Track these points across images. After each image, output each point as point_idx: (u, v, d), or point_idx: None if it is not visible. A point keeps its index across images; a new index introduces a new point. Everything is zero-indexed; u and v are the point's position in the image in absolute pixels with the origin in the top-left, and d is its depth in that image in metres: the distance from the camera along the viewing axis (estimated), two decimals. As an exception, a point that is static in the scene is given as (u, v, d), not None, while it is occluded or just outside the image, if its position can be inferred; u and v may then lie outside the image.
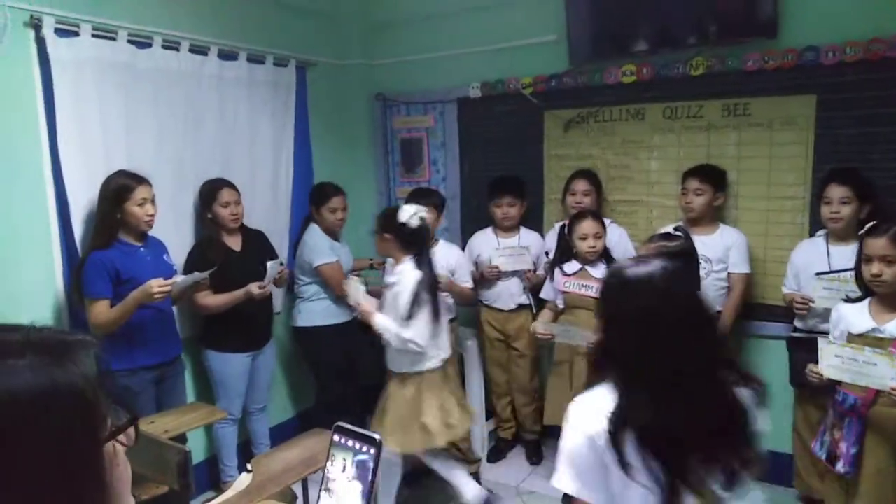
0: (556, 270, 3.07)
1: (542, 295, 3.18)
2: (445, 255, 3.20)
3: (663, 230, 2.35)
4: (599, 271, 2.93)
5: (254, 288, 2.86)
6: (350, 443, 1.06)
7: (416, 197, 3.19)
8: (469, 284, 3.29)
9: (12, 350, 0.62)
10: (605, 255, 3.00)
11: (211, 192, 2.99)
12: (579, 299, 2.96)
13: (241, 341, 3.02)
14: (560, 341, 2.96)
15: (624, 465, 1.15)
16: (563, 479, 1.24)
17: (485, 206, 3.55)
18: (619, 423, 1.17)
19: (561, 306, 3.07)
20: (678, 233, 2.26)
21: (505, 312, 3.43)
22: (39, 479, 0.60)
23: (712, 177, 2.99)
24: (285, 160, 3.64)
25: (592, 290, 2.85)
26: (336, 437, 1.08)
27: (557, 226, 3.37)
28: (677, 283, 1.28)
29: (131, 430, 0.72)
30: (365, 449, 1.04)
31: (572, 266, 3.03)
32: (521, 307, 3.43)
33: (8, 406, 0.58)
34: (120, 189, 2.53)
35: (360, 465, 1.04)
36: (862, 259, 2.18)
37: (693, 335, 1.23)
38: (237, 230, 3.07)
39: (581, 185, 3.24)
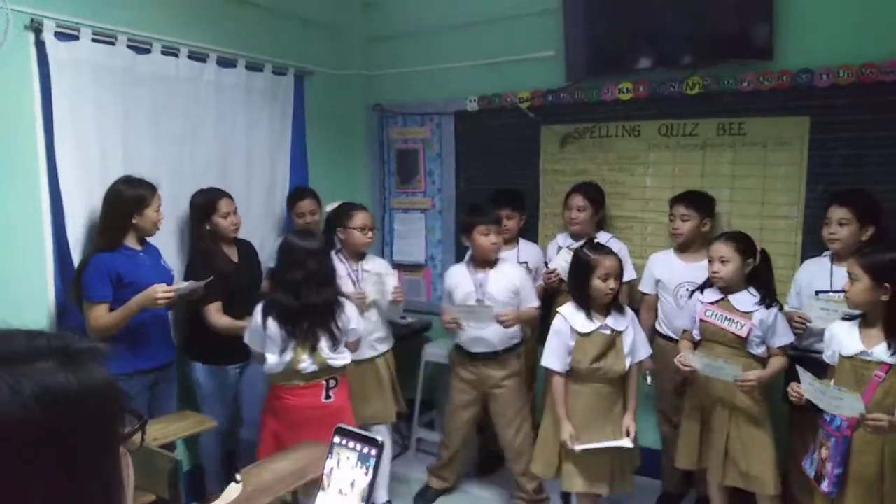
0: (695, 296, 2.71)
1: (681, 324, 2.81)
2: (508, 276, 2.98)
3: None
4: (745, 303, 2.56)
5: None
6: (351, 444, 1.07)
7: (487, 213, 3.00)
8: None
9: (41, 354, 0.63)
10: (754, 282, 2.58)
11: (209, 202, 2.94)
12: (720, 333, 2.58)
13: (227, 354, 2.93)
14: (706, 373, 2.57)
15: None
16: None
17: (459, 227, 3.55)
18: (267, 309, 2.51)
19: (697, 337, 2.69)
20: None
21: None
22: (77, 475, 0.61)
23: (698, 203, 2.99)
24: (282, 168, 3.64)
25: (738, 328, 2.51)
26: (337, 439, 1.08)
27: (559, 237, 3.36)
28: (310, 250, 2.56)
29: (136, 436, 0.73)
30: (366, 450, 1.05)
31: (713, 293, 2.64)
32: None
33: (47, 405, 0.59)
34: (141, 195, 2.55)
35: (362, 463, 1.05)
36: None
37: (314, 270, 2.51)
38: (232, 241, 3.04)
39: (576, 201, 3.22)
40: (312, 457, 2.38)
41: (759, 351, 2.56)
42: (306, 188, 3.49)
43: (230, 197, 3.00)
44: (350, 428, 1.08)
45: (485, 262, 2.99)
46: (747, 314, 2.53)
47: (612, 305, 2.61)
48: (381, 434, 3.03)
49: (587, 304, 2.58)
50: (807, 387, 2.16)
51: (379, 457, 1.03)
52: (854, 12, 2.81)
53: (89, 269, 2.47)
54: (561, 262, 3.12)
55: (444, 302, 3.18)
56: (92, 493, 0.63)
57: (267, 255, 3.28)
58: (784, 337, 2.54)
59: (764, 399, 2.57)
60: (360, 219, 3.03)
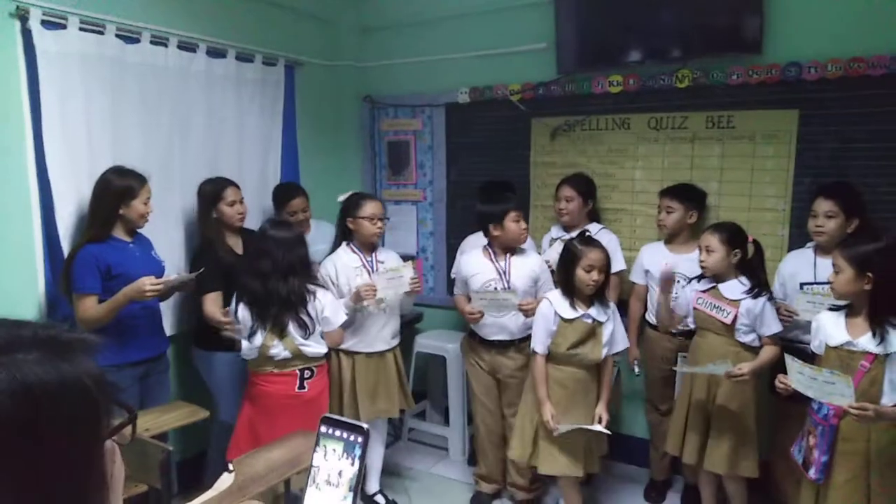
0: (690, 285, 2.78)
1: (676, 310, 2.81)
2: (529, 264, 2.97)
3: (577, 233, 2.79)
4: (733, 291, 2.61)
5: (221, 317, 2.73)
6: (337, 432, 1.07)
7: (513, 201, 3.01)
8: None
9: (23, 345, 0.63)
10: (745, 271, 2.64)
11: (215, 191, 2.94)
12: (709, 321, 2.65)
13: (232, 341, 2.88)
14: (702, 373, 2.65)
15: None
16: None
17: (470, 210, 3.54)
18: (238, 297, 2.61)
19: (692, 325, 2.76)
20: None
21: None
22: (48, 472, 0.60)
23: (683, 195, 3.02)
24: (273, 159, 3.63)
25: (724, 315, 2.58)
26: (323, 428, 1.08)
27: (553, 229, 3.37)
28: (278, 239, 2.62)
29: (126, 429, 0.72)
30: (353, 437, 1.05)
31: (706, 282, 2.71)
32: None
33: (21, 398, 0.59)
34: (129, 186, 2.52)
35: (349, 454, 1.05)
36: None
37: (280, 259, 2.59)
38: (238, 231, 3.03)
39: (565, 192, 3.23)
40: (306, 445, 2.39)
41: (748, 339, 2.60)
42: (296, 186, 3.44)
43: (237, 186, 2.99)
44: (335, 417, 1.08)
45: (507, 249, 2.99)
46: (734, 302, 2.59)
47: (595, 297, 2.68)
48: (377, 427, 3.09)
49: (571, 292, 2.66)
50: (796, 376, 2.18)
51: (365, 444, 1.04)
52: (843, 6, 2.83)
53: (77, 260, 2.45)
54: (554, 253, 3.13)
55: (456, 290, 3.14)
56: (67, 487, 0.62)
57: None
58: (773, 325, 2.58)
59: (751, 387, 2.61)
60: (369, 208, 2.99)
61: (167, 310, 2.93)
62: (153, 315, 2.71)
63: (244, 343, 2.62)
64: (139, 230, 2.66)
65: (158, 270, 2.65)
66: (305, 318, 2.62)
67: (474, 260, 3.05)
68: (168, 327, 2.91)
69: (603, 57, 3.32)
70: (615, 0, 3.25)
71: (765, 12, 2.91)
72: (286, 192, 3.39)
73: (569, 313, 2.67)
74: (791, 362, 2.21)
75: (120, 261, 2.50)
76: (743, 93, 3.05)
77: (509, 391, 3.02)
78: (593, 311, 2.67)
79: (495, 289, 2.94)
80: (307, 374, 2.68)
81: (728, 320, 2.58)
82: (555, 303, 2.70)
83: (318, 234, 3.43)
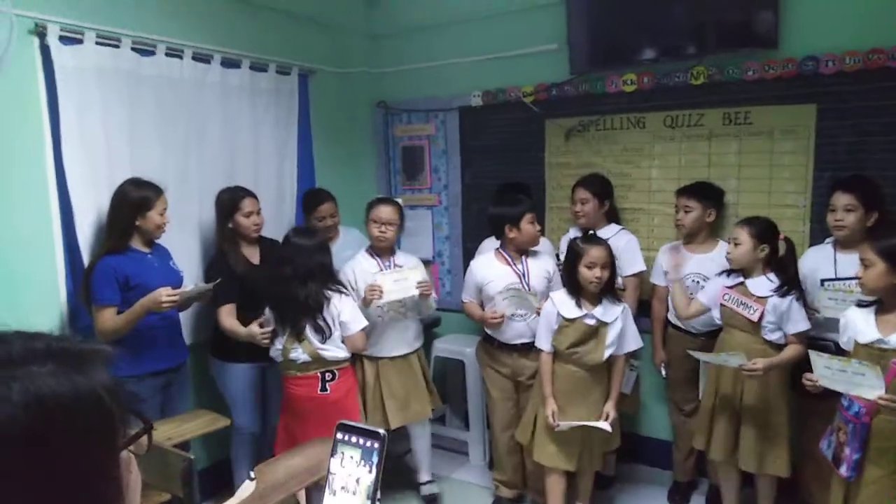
0: (717, 279, 2.73)
1: (703, 300, 2.77)
2: (543, 265, 3.00)
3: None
4: (761, 288, 2.57)
5: (255, 331, 2.73)
6: (354, 439, 1.06)
7: (528, 204, 3.01)
8: None
9: (37, 357, 0.63)
10: (775, 268, 2.59)
11: (232, 201, 2.95)
12: (736, 318, 2.61)
13: (250, 352, 2.89)
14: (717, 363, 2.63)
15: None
16: None
17: (486, 214, 3.52)
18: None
19: (718, 321, 2.71)
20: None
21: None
22: (62, 483, 0.60)
23: (701, 193, 2.98)
24: (289, 168, 3.65)
25: (751, 312, 2.54)
26: (340, 435, 1.08)
27: (571, 231, 3.33)
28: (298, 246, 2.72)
29: (143, 439, 0.73)
30: (369, 444, 1.05)
31: (734, 278, 2.66)
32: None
33: (34, 410, 0.59)
34: (144, 197, 2.55)
35: (366, 461, 1.05)
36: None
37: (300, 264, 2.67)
38: (255, 241, 3.04)
39: (580, 194, 3.20)
40: (326, 453, 2.39)
41: (775, 337, 2.57)
42: (324, 191, 3.45)
43: (254, 196, 3.00)
44: (351, 423, 1.08)
45: (522, 251, 2.99)
46: (762, 299, 2.55)
47: (603, 295, 2.67)
48: (420, 430, 3.20)
49: (577, 291, 2.69)
50: (822, 371, 2.14)
51: (382, 451, 1.03)
52: (859, -2, 2.79)
53: (96, 272, 2.48)
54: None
55: (469, 297, 3.09)
56: (82, 497, 0.62)
57: None
58: (799, 324, 2.53)
59: (780, 383, 2.59)
60: (374, 213, 3.06)
61: (186, 319, 2.95)
62: (172, 325, 2.73)
63: (273, 346, 2.75)
64: (157, 241, 2.69)
65: (177, 280, 2.67)
66: (322, 322, 2.68)
67: (489, 265, 3.02)
68: (187, 336, 2.93)
69: (616, 56, 3.30)
70: (627, -2, 3.23)
71: (779, 6, 2.87)
72: (314, 197, 3.41)
73: (571, 313, 2.68)
74: (816, 357, 2.17)
75: (138, 272, 2.53)
76: (759, 88, 3.01)
77: (528, 394, 2.99)
78: (598, 311, 2.67)
79: (518, 289, 2.93)
80: (328, 376, 2.74)
81: (755, 318, 2.54)
82: (558, 302, 2.73)
83: (347, 241, 3.46)
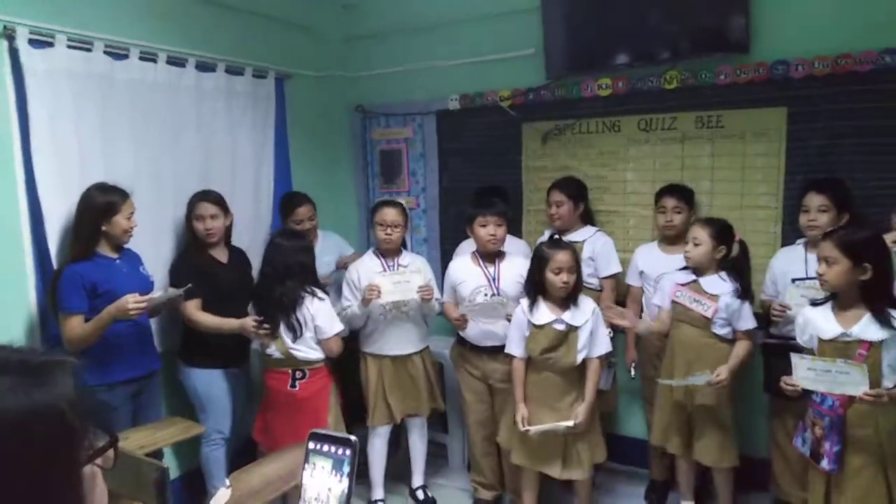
0: (667, 278, 2.80)
1: (655, 301, 2.87)
2: (517, 269, 2.95)
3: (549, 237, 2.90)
4: (714, 286, 2.66)
5: (248, 322, 2.77)
6: (325, 447, 1.06)
7: (490, 206, 2.96)
8: None
9: None
10: (725, 266, 2.68)
11: (190, 204, 2.96)
12: (687, 314, 2.69)
13: (223, 356, 2.93)
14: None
15: None
16: None
17: (464, 217, 3.52)
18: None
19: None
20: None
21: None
22: (20, 499, 0.59)
23: (686, 195, 3.03)
24: (266, 172, 3.62)
25: (705, 309, 2.62)
26: (311, 444, 1.07)
27: (546, 234, 3.32)
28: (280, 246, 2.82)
29: (110, 453, 0.72)
30: (341, 451, 1.04)
31: (686, 276, 2.75)
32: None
33: None
34: (110, 202, 2.51)
35: (337, 471, 1.04)
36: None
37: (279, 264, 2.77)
38: (221, 244, 3.02)
39: (554, 196, 3.22)
40: (300, 459, 2.38)
41: (724, 332, 2.66)
42: (301, 194, 3.44)
43: (210, 201, 2.95)
44: (322, 431, 1.07)
45: (491, 254, 2.99)
46: (714, 297, 2.64)
47: (570, 300, 2.68)
48: (416, 426, 3.26)
49: (543, 296, 2.69)
50: (805, 373, 2.17)
51: (354, 458, 1.03)
52: (829, 3, 2.84)
53: (63, 279, 2.43)
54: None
55: (446, 297, 3.12)
56: None
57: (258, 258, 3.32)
58: (749, 321, 2.65)
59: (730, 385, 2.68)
60: (379, 216, 3.07)
61: (157, 326, 2.91)
62: (142, 332, 2.69)
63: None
64: (127, 246, 2.65)
65: (147, 286, 2.63)
66: (294, 321, 2.75)
67: (462, 266, 3.05)
68: (158, 344, 2.89)
69: (591, 61, 3.33)
70: (601, 4, 3.25)
71: (751, 11, 2.92)
72: (291, 200, 3.41)
73: (540, 319, 2.68)
74: (798, 360, 2.20)
75: (106, 278, 2.49)
76: (731, 92, 3.06)
77: (501, 396, 3.00)
78: (567, 316, 2.66)
79: (486, 295, 2.93)
80: (298, 374, 2.82)
81: (709, 314, 2.63)
82: (527, 309, 2.73)
83: (326, 246, 3.45)
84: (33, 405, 0.61)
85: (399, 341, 3.09)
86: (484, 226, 2.92)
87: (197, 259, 2.91)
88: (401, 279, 2.97)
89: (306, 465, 1.07)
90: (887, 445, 2.13)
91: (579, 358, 2.67)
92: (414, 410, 3.16)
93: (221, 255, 3.02)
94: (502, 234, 2.95)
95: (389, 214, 3.05)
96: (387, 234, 3.04)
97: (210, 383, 2.95)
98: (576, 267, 2.67)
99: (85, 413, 0.67)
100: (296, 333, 2.75)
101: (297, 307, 2.75)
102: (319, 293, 2.82)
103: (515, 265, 2.99)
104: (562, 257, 2.63)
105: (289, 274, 2.76)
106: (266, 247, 2.91)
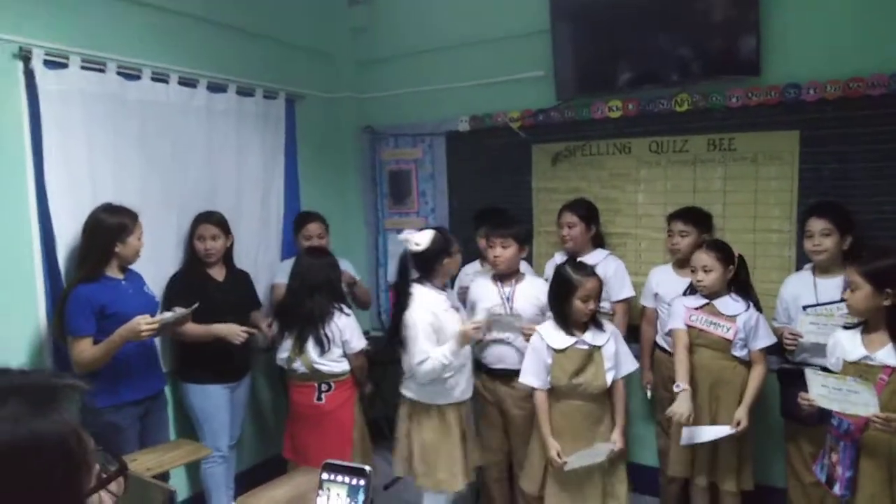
0: (678, 302, 2.77)
1: (671, 325, 2.77)
2: (534, 291, 2.88)
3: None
4: (728, 307, 2.64)
5: (235, 328, 2.85)
6: (340, 477, 1.05)
7: (496, 227, 2.91)
8: None
9: None
10: (735, 288, 2.68)
11: (193, 224, 3.02)
12: (704, 337, 2.65)
13: (217, 371, 2.95)
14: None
15: None
16: None
17: (474, 239, 3.50)
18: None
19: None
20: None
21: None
22: None
23: (696, 218, 3.01)
24: (275, 193, 3.63)
25: (725, 331, 2.59)
26: (325, 475, 1.07)
27: (557, 256, 3.32)
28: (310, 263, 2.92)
29: (121, 479, 0.70)
30: (356, 481, 1.04)
31: (697, 299, 2.71)
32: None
33: None
34: (122, 224, 2.52)
35: (352, 499, 1.04)
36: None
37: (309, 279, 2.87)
38: (220, 264, 3.05)
39: (566, 218, 3.19)
40: (310, 484, 2.34)
41: (743, 353, 2.63)
42: (313, 213, 3.47)
43: (212, 223, 2.98)
44: (336, 462, 1.06)
45: (509, 275, 2.91)
46: (732, 318, 2.62)
47: (589, 322, 2.59)
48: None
49: (566, 322, 2.58)
50: (819, 390, 2.16)
51: (368, 487, 1.02)
52: (840, 26, 2.84)
53: (70, 302, 2.41)
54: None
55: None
56: None
57: (271, 276, 3.46)
58: (765, 339, 2.63)
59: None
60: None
61: (162, 346, 2.91)
62: (149, 352, 2.68)
63: (279, 354, 2.93)
64: (130, 266, 2.64)
65: (152, 306, 2.63)
66: (323, 336, 2.80)
67: (481, 285, 3.00)
68: (164, 363, 2.89)
69: (601, 83, 3.34)
70: (611, 27, 3.27)
71: (761, 34, 2.92)
72: (302, 217, 3.47)
73: (560, 343, 2.56)
74: (813, 376, 2.19)
75: (113, 299, 2.47)
76: (743, 115, 3.05)
77: (517, 422, 2.89)
78: (588, 336, 2.56)
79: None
80: (324, 387, 2.88)
81: (730, 336, 2.60)
82: (545, 335, 2.60)
83: None
84: (32, 435, 0.60)
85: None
86: (492, 246, 2.89)
87: (191, 276, 2.96)
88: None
89: (320, 492, 1.06)
90: None
91: (609, 379, 2.54)
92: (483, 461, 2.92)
93: (218, 274, 3.04)
94: (504, 255, 2.84)
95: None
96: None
97: (205, 399, 2.94)
98: (600, 293, 2.58)
99: (92, 437, 0.66)
100: (323, 347, 2.80)
101: (326, 322, 2.81)
102: (346, 309, 2.90)
103: (533, 287, 2.91)
104: (591, 285, 2.52)
105: (317, 289, 2.83)
106: (294, 263, 2.98)
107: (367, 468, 1.04)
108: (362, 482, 1.04)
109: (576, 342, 2.56)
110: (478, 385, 2.99)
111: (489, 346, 2.91)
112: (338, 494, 1.05)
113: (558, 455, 2.50)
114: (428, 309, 2.66)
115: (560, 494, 2.57)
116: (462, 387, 2.74)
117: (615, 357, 2.58)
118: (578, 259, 2.99)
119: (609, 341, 2.59)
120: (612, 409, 2.62)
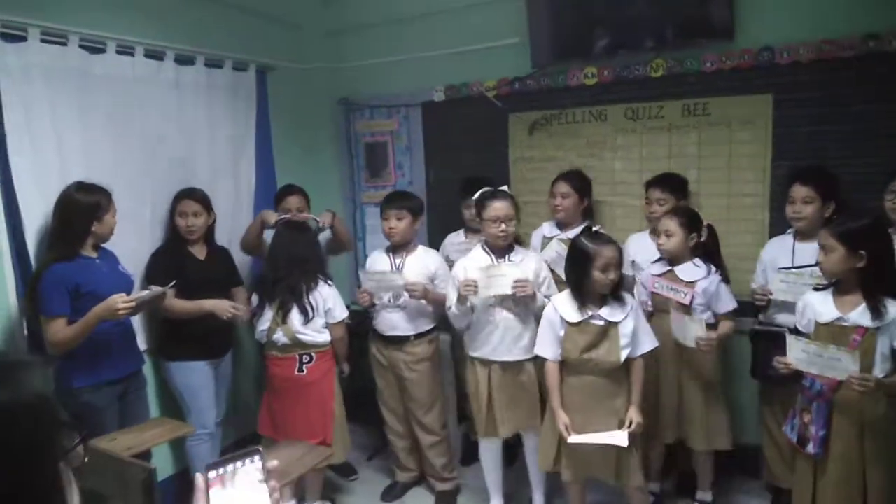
0: (646, 270, 2.83)
1: (642, 297, 2.81)
2: (424, 261, 3.06)
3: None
4: (688, 273, 2.68)
5: (224, 303, 2.86)
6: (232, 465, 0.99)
7: (391, 201, 3.06)
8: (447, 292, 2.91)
9: None
10: (697, 253, 2.70)
11: (174, 200, 2.98)
12: (666, 303, 2.68)
13: (201, 348, 2.94)
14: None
15: None
16: None
17: (454, 209, 3.50)
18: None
19: (650, 309, 2.77)
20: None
21: None
22: None
23: (673, 185, 3.01)
24: (246, 167, 3.58)
25: (682, 296, 2.63)
26: (212, 473, 1.00)
27: (545, 226, 3.30)
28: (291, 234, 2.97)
29: (80, 449, 0.71)
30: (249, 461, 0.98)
31: (661, 266, 2.76)
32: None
33: None
34: (97, 202, 2.47)
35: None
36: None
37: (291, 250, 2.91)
38: (202, 241, 3.02)
39: (560, 188, 3.16)
40: (291, 456, 2.35)
41: (704, 317, 2.66)
42: (294, 186, 3.42)
43: (194, 199, 2.95)
44: (221, 459, 1.01)
45: (402, 246, 3.08)
46: (691, 283, 2.67)
47: (609, 295, 2.48)
48: (531, 441, 2.87)
49: (583, 294, 2.48)
50: (799, 354, 2.20)
51: (263, 462, 0.97)
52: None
53: (44, 281, 2.36)
54: (552, 252, 3.06)
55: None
56: None
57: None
58: (728, 303, 2.69)
59: (716, 364, 2.76)
60: (490, 212, 2.77)
61: (139, 324, 2.88)
62: (126, 331, 2.65)
63: (258, 327, 2.92)
64: (103, 245, 2.60)
65: (127, 285, 2.59)
66: (307, 305, 2.83)
67: (375, 259, 3.16)
68: (142, 342, 2.86)
69: (577, 50, 3.31)
70: (586, -8, 3.23)
71: (734, -2, 2.91)
72: (282, 191, 3.43)
73: (575, 316, 2.46)
74: (794, 341, 2.23)
75: (88, 279, 2.43)
76: (717, 80, 3.05)
77: (413, 386, 3.06)
78: (605, 312, 2.45)
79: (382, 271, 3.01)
80: (306, 358, 2.88)
81: (686, 301, 2.65)
82: (559, 307, 2.51)
83: None
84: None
85: (510, 347, 2.77)
86: (386, 219, 3.03)
87: (172, 254, 2.93)
88: (496, 272, 2.67)
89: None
90: (868, 432, 2.15)
91: (623, 355, 2.43)
92: (527, 423, 2.84)
93: (199, 251, 3.01)
94: (399, 227, 3.02)
95: (502, 208, 2.74)
96: (502, 231, 2.74)
97: (190, 376, 2.93)
98: (621, 262, 2.46)
99: (50, 413, 0.66)
100: (307, 316, 2.82)
101: (310, 291, 2.84)
102: (328, 280, 2.94)
103: (422, 258, 3.06)
104: (609, 253, 2.40)
105: (299, 260, 2.86)
106: (274, 235, 2.99)
107: (259, 448, 0.99)
108: (256, 458, 0.98)
109: (591, 317, 2.46)
110: (373, 351, 3.17)
111: (381, 313, 3.06)
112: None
113: (567, 429, 2.45)
114: (461, 263, 2.89)
115: (569, 462, 2.54)
116: (487, 347, 2.82)
117: (633, 334, 2.47)
118: (565, 231, 3.01)
119: (628, 318, 2.47)
120: (629, 386, 2.51)
